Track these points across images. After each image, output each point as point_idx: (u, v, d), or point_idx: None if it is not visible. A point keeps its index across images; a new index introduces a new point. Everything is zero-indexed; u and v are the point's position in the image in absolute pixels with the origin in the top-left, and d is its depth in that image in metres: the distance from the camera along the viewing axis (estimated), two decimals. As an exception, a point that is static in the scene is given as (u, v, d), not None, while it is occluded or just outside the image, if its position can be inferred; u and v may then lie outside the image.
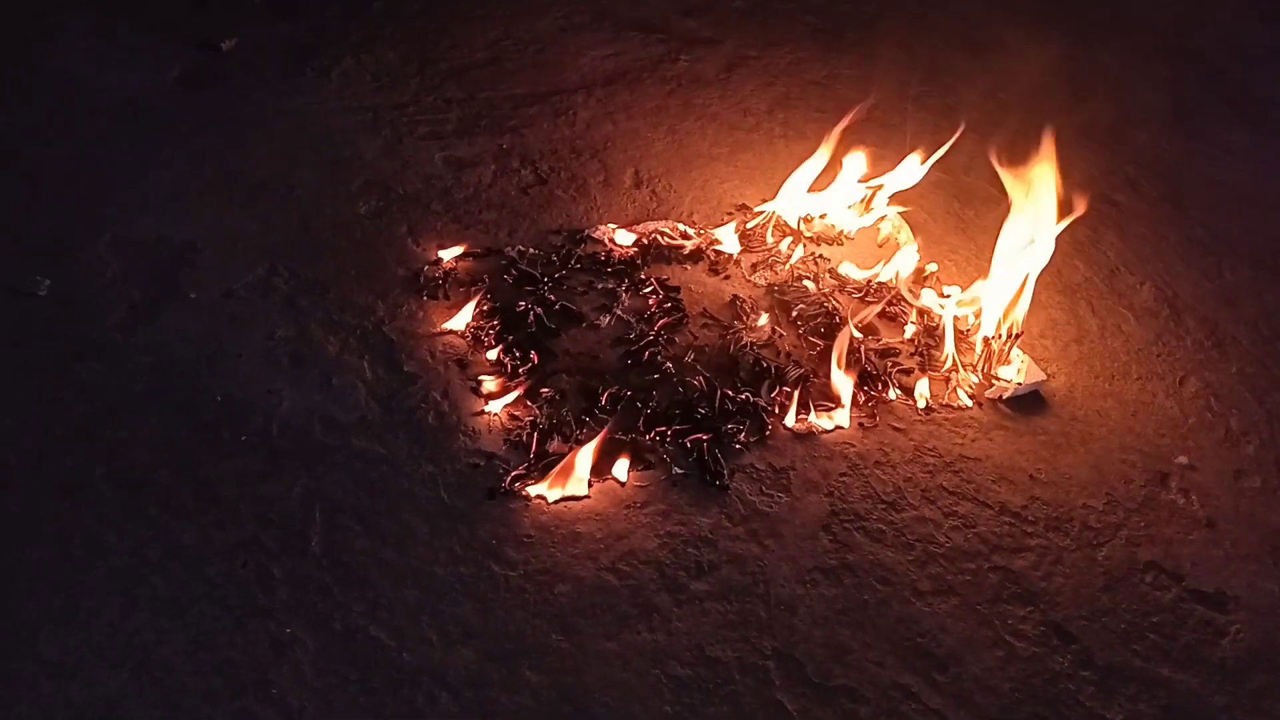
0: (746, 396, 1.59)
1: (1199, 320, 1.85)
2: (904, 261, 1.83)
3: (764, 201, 1.97)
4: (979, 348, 1.71)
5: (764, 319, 1.71)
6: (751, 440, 1.55)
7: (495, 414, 1.52)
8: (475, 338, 1.63)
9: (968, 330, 1.75)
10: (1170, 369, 1.75)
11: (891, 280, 1.82)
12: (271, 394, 1.50)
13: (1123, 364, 1.75)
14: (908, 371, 1.68)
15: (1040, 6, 2.64)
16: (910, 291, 1.80)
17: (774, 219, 1.90)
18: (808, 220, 1.92)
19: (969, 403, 1.65)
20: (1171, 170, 2.21)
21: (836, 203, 1.94)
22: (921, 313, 1.78)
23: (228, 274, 1.68)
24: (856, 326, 1.70)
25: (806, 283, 1.80)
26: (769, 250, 1.86)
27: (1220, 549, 1.50)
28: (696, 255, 1.83)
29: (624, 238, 1.84)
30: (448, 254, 1.76)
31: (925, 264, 1.88)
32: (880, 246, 1.92)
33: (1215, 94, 2.46)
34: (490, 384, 1.55)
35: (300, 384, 1.52)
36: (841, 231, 1.92)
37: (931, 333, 1.75)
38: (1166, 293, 1.89)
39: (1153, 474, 1.58)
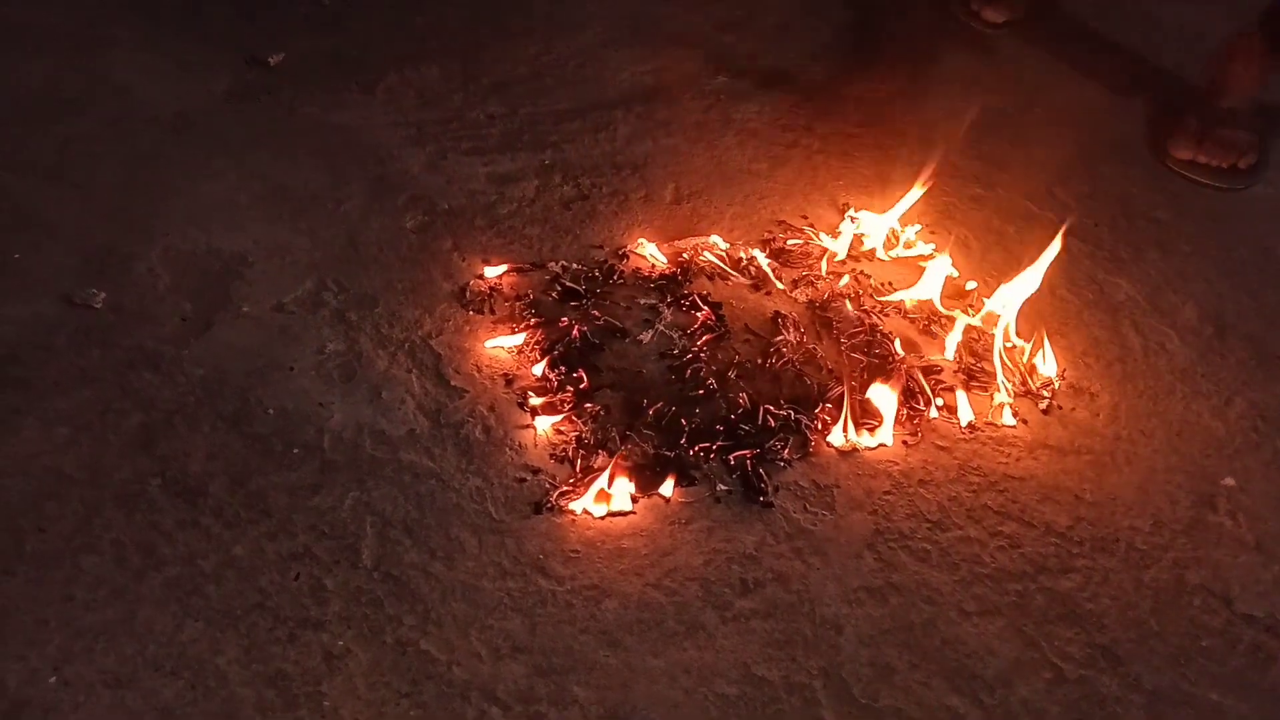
0: (789, 413, 1.59)
1: (1243, 339, 1.84)
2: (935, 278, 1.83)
3: (804, 218, 1.97)
4: (1023, 362, 1.72)
5: (791, 335, 1.71)
6: (795, 457, 1.55)
7: (541, 429, 1.53)
8: (521, 352, 1.64)
9: (1011, 347, 1.75)
10: (1215, 388, 1.74)
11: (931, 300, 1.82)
12: (323, 407, 1.53)
13: (1167, 383, 1.74)
14: (951, 389, 1.68)
15: (1072, 19, 2.63)
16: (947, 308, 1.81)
17: (814, 237, 1.92)
18: (859, 239, 1.93)
19: (1013, 421, 1.64)
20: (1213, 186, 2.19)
21: (877, 227, 1.94)
22: (967, 329, 1.78)
23: (278, 287, 1.70)
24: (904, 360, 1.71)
25: (847, 302, 1.81)
26: (810, 267, 1.87)
27: (1270, 572, 1.48)
28: (738, 271, 1.84)
29: (665, 253, 1.85)
30: (492, 270, 1.78)
31: (965, 281, 1.88)
32: (920, 264, 1.92)
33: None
34: (536, 399, 1.57)
35: (350, 397, 1.54)
36: (878, 247, 1.93)
37: (973, 349, 1.75)
38: (1210, 311, 1.88)
39: (1199, 495, 1.57)
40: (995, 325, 1.76)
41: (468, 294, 1.73)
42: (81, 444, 1.46)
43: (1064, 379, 1.71)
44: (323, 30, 2.32)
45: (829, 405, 1.61)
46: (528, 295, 1.74)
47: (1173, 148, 2.19)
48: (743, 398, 1.61)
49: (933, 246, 1.95)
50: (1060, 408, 1.68)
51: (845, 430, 1.58)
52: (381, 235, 1.83)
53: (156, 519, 1.38)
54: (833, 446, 1.58)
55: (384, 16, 2.38)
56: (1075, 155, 2.19)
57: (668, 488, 1.47)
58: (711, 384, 1.62)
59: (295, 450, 1.46)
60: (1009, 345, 1.76)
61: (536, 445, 1.51)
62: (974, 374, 1.71)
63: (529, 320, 1.69)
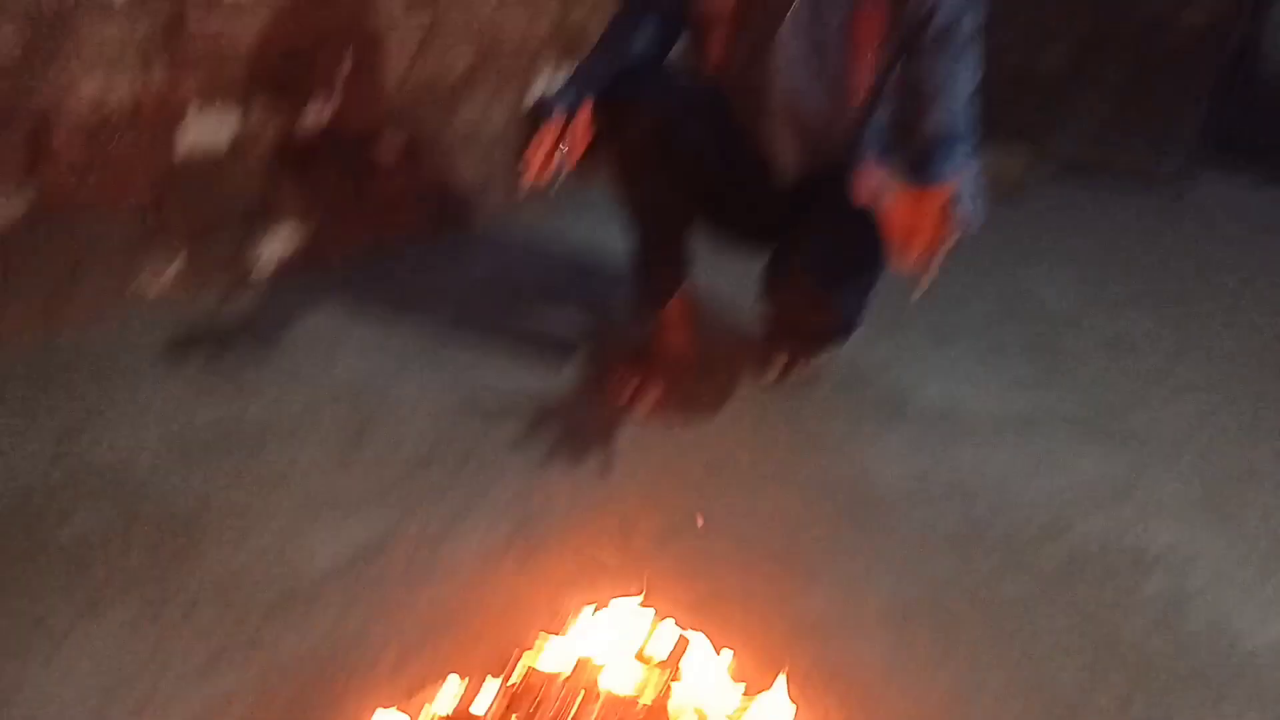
0: None
1: (926, 616, 2.11)
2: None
3: (524, 648, 2.07)
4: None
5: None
6: None
7: None
8: None
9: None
10: (911, 669, 1.96)
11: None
12: None
13: (882, 674, 1.93)
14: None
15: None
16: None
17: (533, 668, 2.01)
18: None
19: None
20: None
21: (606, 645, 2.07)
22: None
23: None
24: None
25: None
26: (540, 690, 1.94)
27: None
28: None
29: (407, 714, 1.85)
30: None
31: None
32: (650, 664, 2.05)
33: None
34: None
35: None
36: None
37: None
38: (894, 600, 2.15)
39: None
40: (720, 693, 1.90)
41: None
42: None
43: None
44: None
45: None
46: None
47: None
48: None
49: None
50: (802, 743, 1.81)
51: None
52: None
53: None
54: None
55: (56, 573, 2.32)
56: (730, 500, 2.52)
57: None
58: None
59: None
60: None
61: None
62: (719, 744, 1.81)
63: None
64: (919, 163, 2.29)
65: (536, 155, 2.22)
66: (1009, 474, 2.72)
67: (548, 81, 4.11)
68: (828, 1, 2.45)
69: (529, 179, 2.22)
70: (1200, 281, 4.60)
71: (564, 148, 2.22)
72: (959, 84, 2.36)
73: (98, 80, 2.62)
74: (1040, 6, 6.13)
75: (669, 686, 1.89)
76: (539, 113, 2.35)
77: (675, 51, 2.75)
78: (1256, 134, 7.33)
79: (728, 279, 3.46)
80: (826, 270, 2.53)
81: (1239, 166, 6.84)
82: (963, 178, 2.25)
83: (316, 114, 3.29)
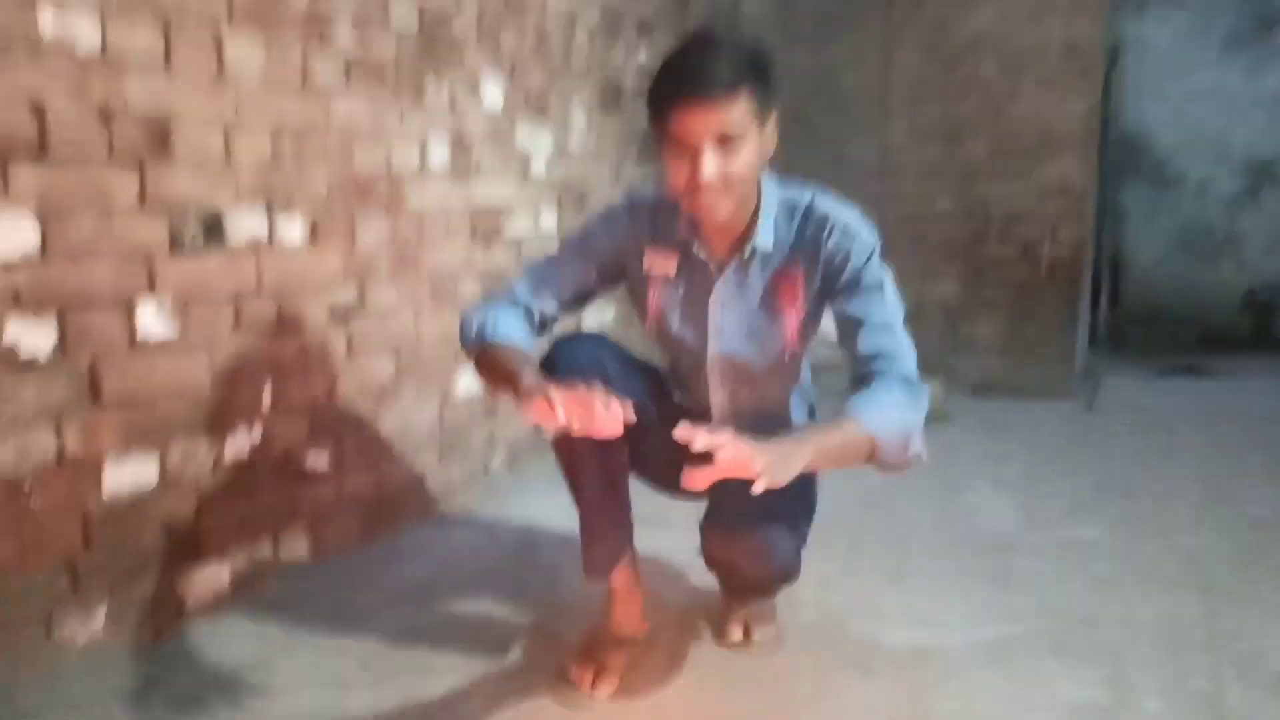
0: None
1: None
2: None
3: None
4: None
5: None
6: None
7: None
8: None
9: None
10: None
11: None
12: None
13: None
14: None
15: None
16: None
17: None
18: None
19: None
20: None
21: None
22: None
23: None
24: None
25: None
26: None
27: None
28: None
29: None
30: None
31: None
32: None
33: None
34: None
35: None
36: None
37: None
38: None
39: None
40: None
41: None
42: None
43: None
44: None
45: None
46: None
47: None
48: None
49: None
50: None
51: None
52: None
53: None
54: None
55: None
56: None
57: None
58: None
59: None
60: None
61: None
62: None
63: None
64: (860, 388, 2.40)
65: (551, 412, 2.15)
66: (994, 712, 2.60)
67: (468, 379, 4.24)
68: (752, 269, 2.64)
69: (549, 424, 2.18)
70: (1132, 481, 4.71)
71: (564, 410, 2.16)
72: (880, 314, 2.51)
73: (14, 443, 2.60)
74: (923, 243, 6.67)
75: None
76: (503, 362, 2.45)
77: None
78: (1138, 336, 7.89)
79: (672, 544, 3.43)
80: (756, 515, 2.52)
81: (1134, 366, 7.25)
82: (911, 406, 2.34)
83: (243, 439, 3.29)
